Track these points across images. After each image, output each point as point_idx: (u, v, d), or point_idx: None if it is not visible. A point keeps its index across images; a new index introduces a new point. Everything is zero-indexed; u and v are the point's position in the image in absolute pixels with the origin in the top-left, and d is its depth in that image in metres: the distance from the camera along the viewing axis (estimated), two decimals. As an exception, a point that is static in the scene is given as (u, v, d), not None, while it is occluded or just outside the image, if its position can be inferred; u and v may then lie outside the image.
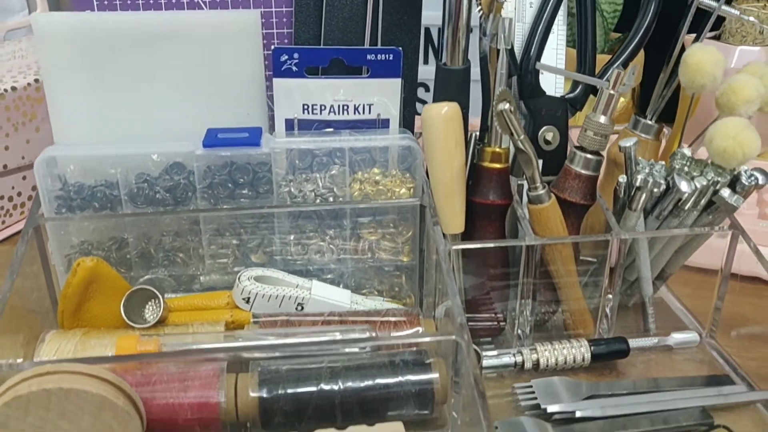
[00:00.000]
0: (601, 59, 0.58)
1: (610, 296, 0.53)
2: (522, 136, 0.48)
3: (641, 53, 0.82)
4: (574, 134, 0.56)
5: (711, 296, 0.56)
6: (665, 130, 0.59)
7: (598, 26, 0.79)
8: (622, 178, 0.50)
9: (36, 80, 0.72)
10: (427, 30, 0.83)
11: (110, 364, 0.43)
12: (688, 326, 0.58)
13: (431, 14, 0.56)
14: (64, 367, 0.40)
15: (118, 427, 0.40)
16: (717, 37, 0.83)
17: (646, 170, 0.48)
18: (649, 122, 0.57)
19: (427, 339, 0.48)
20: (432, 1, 0.56)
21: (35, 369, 0.40)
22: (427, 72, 0.63)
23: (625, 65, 0.57)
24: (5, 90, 0.69)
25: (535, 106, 0.56)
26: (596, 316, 0.56)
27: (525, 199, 0.53)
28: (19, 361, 0.44)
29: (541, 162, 0.56)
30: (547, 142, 0.56)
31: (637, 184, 0.48)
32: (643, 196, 0.49)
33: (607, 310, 0.55)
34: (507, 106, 0.46)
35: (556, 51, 0.58)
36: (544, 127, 0.56)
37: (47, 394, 0.39)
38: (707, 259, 0.56)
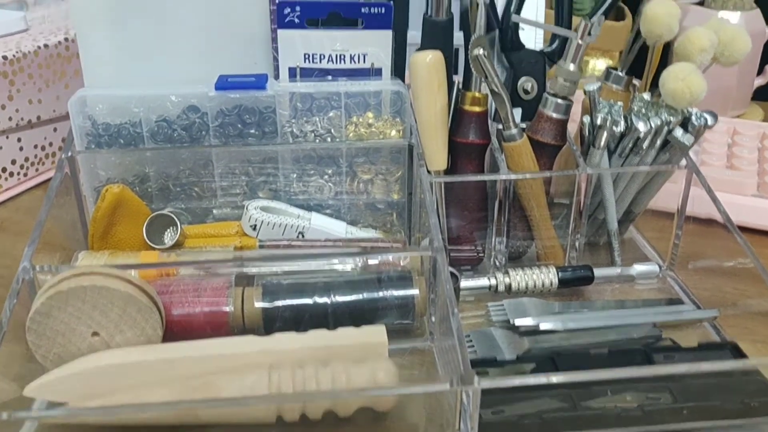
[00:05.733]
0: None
1: (579, 235, 0.59)
2: (496, 80, 0.54)
3: (629, 16, 0.87)
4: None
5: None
6: (635, 82, 0.64)
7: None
8: (586, 119, 0.56)
9: (66, 39, 0.79)
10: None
11: (135, 270, 0.50)
12: (651, 261, 0.64)
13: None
14: (97, 270, 0.47)
15: (141, 320, 0.47)
16: (701, 2, 0.88)
17: (606, 110, 0.54)
18: (620, 74, 0.62)
19: (408, 253, 0.54)
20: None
21: (72, 270, 0.47)
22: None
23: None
24: (38, 47, 0.76)
25: (516, 59, 0.61)
26: (567, 251, 0.62)
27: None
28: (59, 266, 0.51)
29: (520, 110, 0.62)
30: (526, 92, 0.62)
31: (598, 122, 0.54)
32: (605, 134, 0.54)
33: (576, 244, 0.61)
34: (481, 51, 0.52)
35: (536, 9, 0.64)
36: (523, 78, 0.62)
37: (83, 290, 0.46)
38: (673, 204, 0.61)
